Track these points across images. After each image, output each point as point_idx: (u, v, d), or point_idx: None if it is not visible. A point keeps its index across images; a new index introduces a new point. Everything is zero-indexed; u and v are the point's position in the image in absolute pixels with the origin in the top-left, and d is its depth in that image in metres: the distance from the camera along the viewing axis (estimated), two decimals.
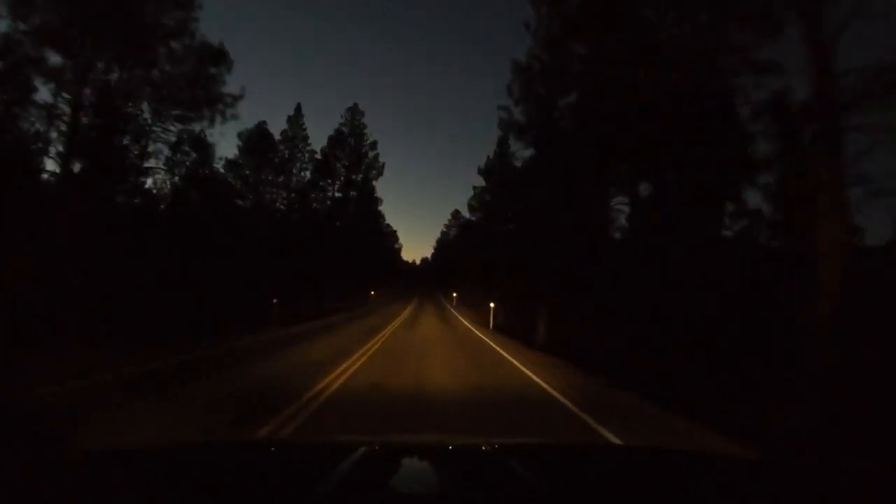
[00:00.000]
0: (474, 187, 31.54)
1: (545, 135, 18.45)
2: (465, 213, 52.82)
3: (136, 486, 1.11)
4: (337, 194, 44.91)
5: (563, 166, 17.86)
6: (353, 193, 45.77)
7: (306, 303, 25.68)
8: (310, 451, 1.67)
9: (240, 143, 36.53)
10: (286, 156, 37.99)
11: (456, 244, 74.85)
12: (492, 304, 18.62)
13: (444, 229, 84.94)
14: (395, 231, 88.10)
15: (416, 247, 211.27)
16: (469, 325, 20.33)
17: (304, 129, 39.49)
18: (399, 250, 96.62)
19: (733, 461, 2.00)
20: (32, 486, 1.04)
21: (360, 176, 46.08)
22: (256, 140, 36.62)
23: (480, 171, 30.58)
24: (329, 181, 44.56)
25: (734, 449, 4.35)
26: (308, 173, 39.50)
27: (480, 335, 16.00)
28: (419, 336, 14.69)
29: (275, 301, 14.99)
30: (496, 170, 30.61)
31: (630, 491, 1.21)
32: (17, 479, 1.08)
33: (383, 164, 46.04)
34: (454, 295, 42.90)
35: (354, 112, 46.20)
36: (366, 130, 45.99)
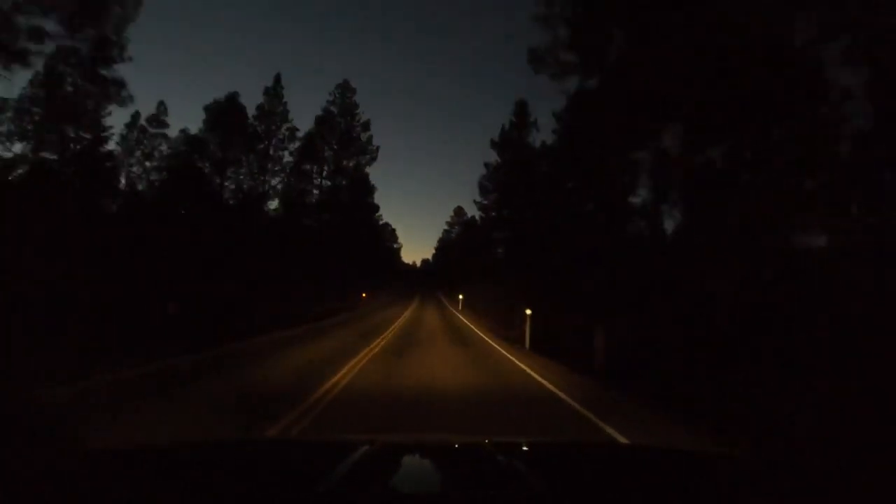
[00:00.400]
0: (486, 164, 25.71)
1: (597, 65, 12.83)
2: (470, 208, 47.29)
3: (136, 485, 1.11)
4: (325, 182, 39.23)
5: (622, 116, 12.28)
6: (343, 182, 40.04)
7: (279, 307, 20.10)
8: (310, 450, 1.70)
9: (205, 117, 30.97)
10: (261, 132, 32.24)
11: (459, 243, 69.11)
12: (528, 311, 12.85)
13: (447, 227, 79.17)
14: (394, 230, 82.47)
15: (416, 248, 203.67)
16: (498, 346, 13.69)
17: (284, 103, 33.82)
18: (398, 250, 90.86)
19: (733, 461, 1.90)
20: (32, 486, 1.03)
21: (352, 161, 40.38)
22: (225, 114, 30.98)
23: (494, 145, 24.81)
24: (315, 167, 38.92)
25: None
26: (286, 153, 33.71)
27: (529, 370, 9.60)
28: (419, 389, 7.07)
29: (172, 304, 9.16)
30: (513, 142, 24.86)
31: (631, 490, 1.21)
32: (17, 479, 1.07)
33: (377, 148, 40.35)
34: (460, 297, 37.01)
35: (345, 89, 40.57)
36: (357, 110, 40.37)
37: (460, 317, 25.66)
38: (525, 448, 1.70)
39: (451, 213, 79.51)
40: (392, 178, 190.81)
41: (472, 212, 60.10)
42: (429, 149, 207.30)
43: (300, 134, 34.34)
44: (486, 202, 26.56)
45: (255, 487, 1.08)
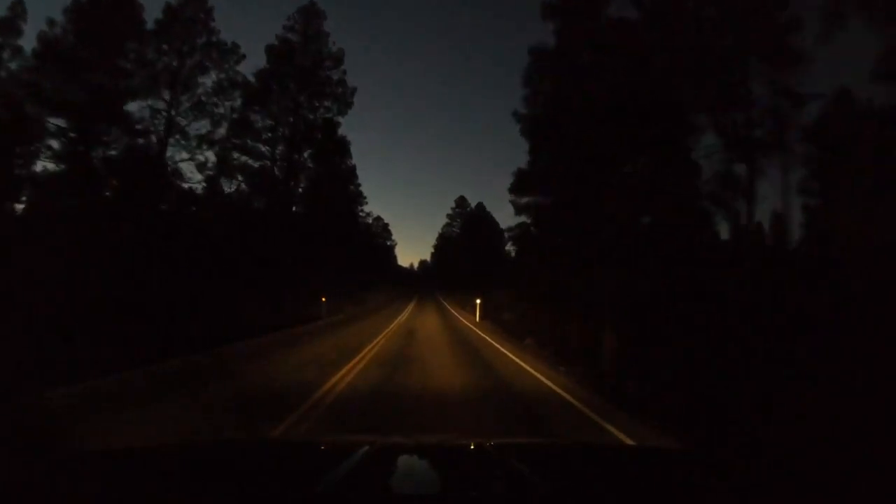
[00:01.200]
0: (532, 50, 13.46)
1: None
2: (473, 197, 35.15)
3: (136, 485, 1.09)
4: (280, 132, 27.52)
5: None
6: (301, 136, 28.32)
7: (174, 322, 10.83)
8: (310, 450, 1.67)
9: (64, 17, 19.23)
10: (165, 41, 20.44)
11: (462, 236, 56.32)
12: None
13: (447, 220, 66.80)
14: (386, 224, 70.00)
15: (413, 252, 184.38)
16: None
17: (210, 9, 22.11)
18: (392, 248, 78.42)
19: (735, 461, 1.87)
20: (33, 487, 1.02)
21: (320, 113, 28.77)
22: (103, 9, 19.30)
23: (548, 10, 12.97)
24: (267, 119, 27.24)
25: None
26: (207, 80, 21.82)
27: None
28: None
29: None
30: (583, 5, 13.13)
31: (631, 490, 1.19)
32: (17, 479, 1.05)
33: (353, 91, 28.77)
34: (477, 303, 25.09)
35: (310, 15, 29.06)
36: (329, 40, 28.86)
37: (495, 345, 13.46)
38: (527, 449, 1.74)
39: (453, 205, 67.35)
40: (385, 179, 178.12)
41: (478, 198, 47.87)
42: (423, 148, 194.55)
43: (223, 42, 22.43)
44: (522, 112, 14.16)
45: (255, 488, 1.07)
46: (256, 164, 26.35)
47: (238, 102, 23.78)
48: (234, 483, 1.15)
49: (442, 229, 70.35)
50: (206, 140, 21.49)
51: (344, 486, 1.03)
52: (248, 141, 26.18)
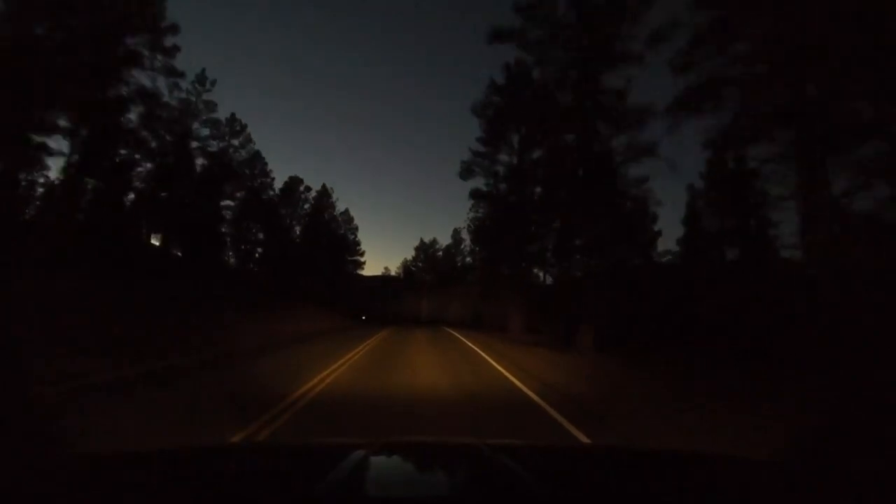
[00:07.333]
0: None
1: None
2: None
3: (135, 489, 1.08)
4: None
5: None
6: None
7: None
8: (307, 453, 1.68)
9: None
10: None
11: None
12: None
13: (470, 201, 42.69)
14: (351, 218, 53.30)
15: (396, 258, 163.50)
16: None
17: None
18: (356, 245, 58.07)
19: (732, 461, 1.81)
20: (32, 488, 1.02)
21: None
22: None
23: None
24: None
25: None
26: None
27: None
28: None
29: None
30: None
31: (630, 491, 1.19)
32: (16, 480, 1.05)
33: None
34: None
35: None
36: None
37: None
38: (524, 450, 1.72)
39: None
40: (359, 186, 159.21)
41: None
42: (399, 157, 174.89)
43: None
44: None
45: (253, 491, 1.05)
46: None
47: None
48: (232, 486, 1.14)
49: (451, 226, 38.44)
50: None
51: (342, 489, 1.03)
52: None
